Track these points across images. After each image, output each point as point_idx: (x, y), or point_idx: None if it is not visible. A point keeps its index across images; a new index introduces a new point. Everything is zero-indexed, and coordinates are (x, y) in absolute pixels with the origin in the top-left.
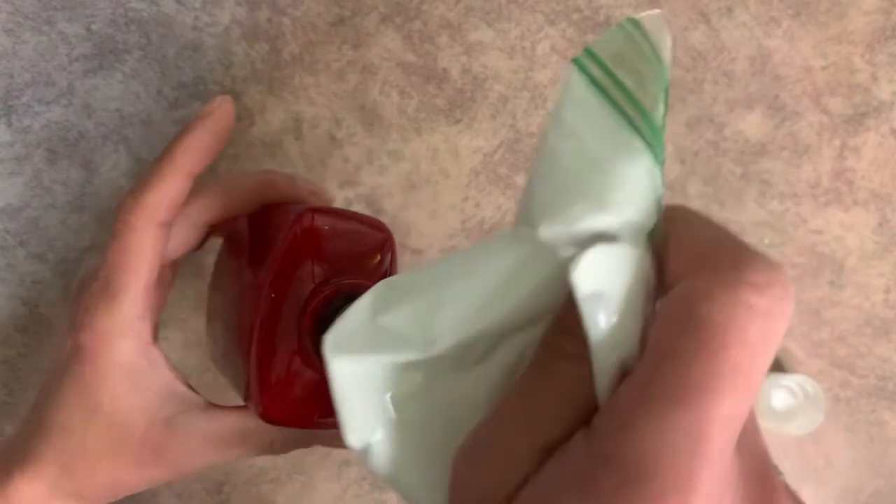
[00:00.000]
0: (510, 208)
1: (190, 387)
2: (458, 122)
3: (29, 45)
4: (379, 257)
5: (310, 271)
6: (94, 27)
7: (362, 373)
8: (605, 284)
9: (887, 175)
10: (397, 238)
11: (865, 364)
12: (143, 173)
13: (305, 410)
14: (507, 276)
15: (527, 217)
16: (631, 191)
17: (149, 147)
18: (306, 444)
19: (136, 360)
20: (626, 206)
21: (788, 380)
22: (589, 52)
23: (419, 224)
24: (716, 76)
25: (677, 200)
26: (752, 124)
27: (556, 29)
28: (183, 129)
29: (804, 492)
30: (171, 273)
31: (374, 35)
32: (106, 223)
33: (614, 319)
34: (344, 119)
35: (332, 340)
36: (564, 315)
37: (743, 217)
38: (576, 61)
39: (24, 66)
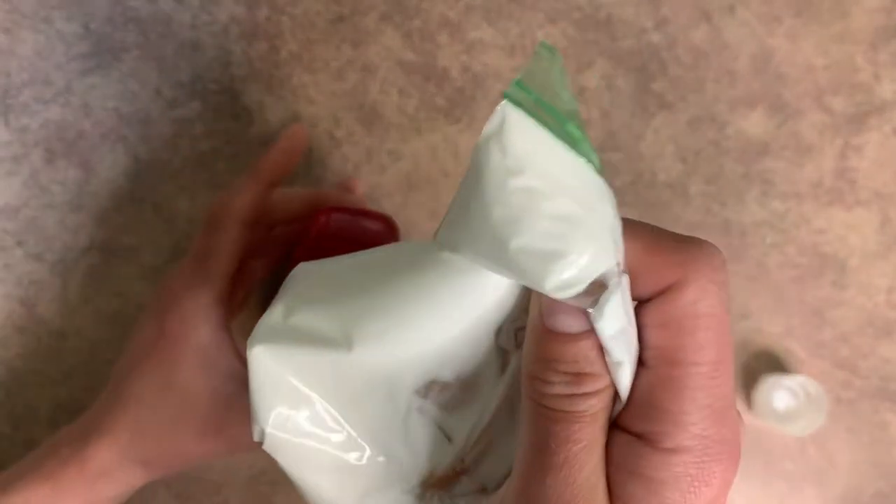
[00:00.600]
0: None
1: None
2: (458, 121)
3: (27, 43)
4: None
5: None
6: (92, 26)
7: (277, 363)
8: (622, 318)
9: (890, 174)
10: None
11: (868, 365)
12: (234, 182)
13: None
14: (444, 298)
15: (476, 246)
16: (607, 217)
17: (147, 146)
18: None
19: (209, 343)
20: (612, 236)
21: (790, 380)
22: (518, 84)
23: (419, 224)
24: (718, 75)
25: (679, 200)
26: (754, 123)
27: (557, 27)
28: (268, 149)
29: (806, 493)
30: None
31: (373, 34)
32: (104, 222)
33: (634, 342)
34: (343, 118)
35: (254, 335)
36: (543, 348)
37: (745, 217)
38: (508, 95)
39: (22, 65)
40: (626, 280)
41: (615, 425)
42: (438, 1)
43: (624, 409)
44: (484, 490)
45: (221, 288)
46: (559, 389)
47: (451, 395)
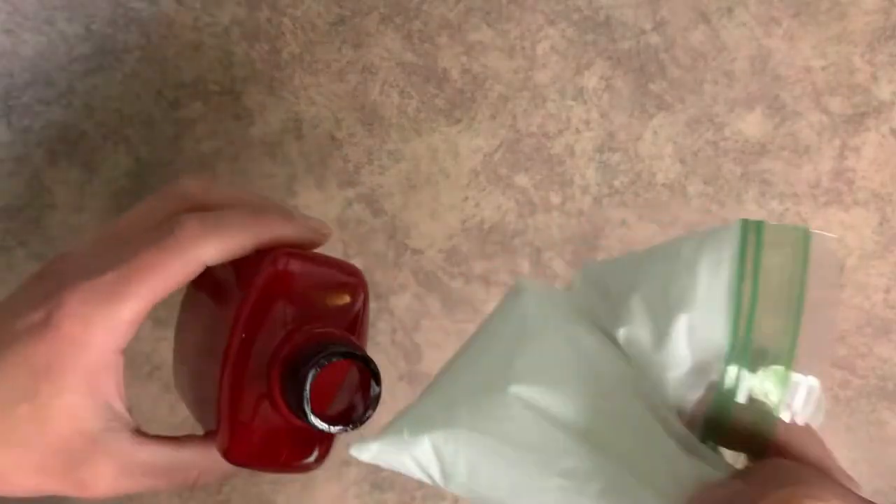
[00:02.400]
0: (510, 208)
1: (129, 409)
2: (458, 122)
3: (29, 44)
4: (350, 301)
5: (282, 314)
6: (93, 27)
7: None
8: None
9: (887, 175)
10: (398, 238)
11: (865, 364)
12: (224, 213)
13: (270, 454)
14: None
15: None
16: None
17: (149, 147)
18: (229, 478)
19: (97, 364)
20: None
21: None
22: (758, 226)
23: (419, 224)
24: (716, 76)
25: (677, 200)
26: (752, 124)
27: (557, 29)
28: (286, 210)
29: None
30: None
31: (374, 35)
32: (106, 223)
33: None
34: (344, 119)
35: (362, 452)
36: None
37: (743, 217)
38: (748, 223)
39: (24, 66)
40: None
41: None
42: (439, 2)
43: None
44: None
45: (144, 313)
46: None
47: None
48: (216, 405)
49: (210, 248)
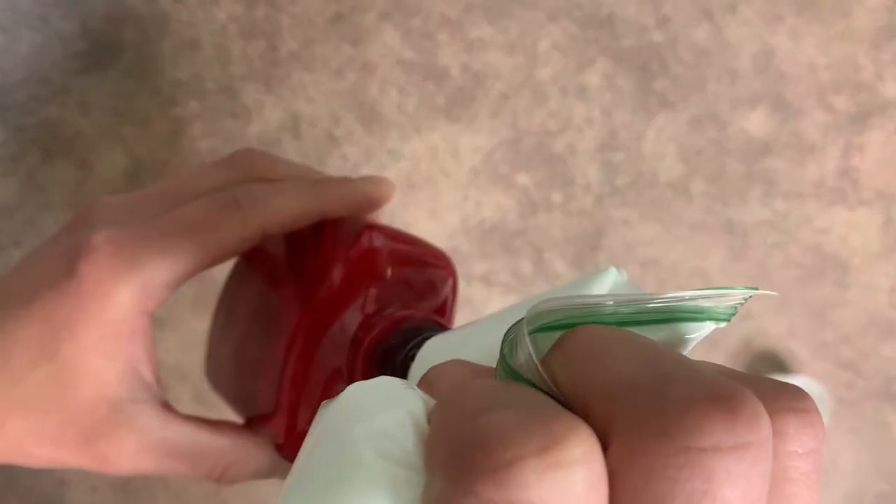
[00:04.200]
0: (511, 207)
1: (158, 379)
2: (457, 120)
3: (24, 42)
4: (437, 287)
5: (363, 298)
6: (89, 24)
7: None
8: None
9: (892, 174)
10: None
11: (870, 365)
12: (286, 182)
13: None
14: None
15: None
16: None
17: (145, 145)
18: (266, 476)
19: (123, 323)
20: None
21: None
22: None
23: (419, 223)
24: (719, 74)
25: (680, 200)
26: (756, 122)
27: (558, 26)
28: (347, 178)
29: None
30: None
31: (372, 32)
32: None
33: None
34: (342, 117)
35: None
36: None
37: (746, 217)
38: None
39: (19, 64)
40: None
41: None
42: None
43: None
44: None
45: (181, 276)
46: None
47: None
48: (276, 389)
49: (272, 214)
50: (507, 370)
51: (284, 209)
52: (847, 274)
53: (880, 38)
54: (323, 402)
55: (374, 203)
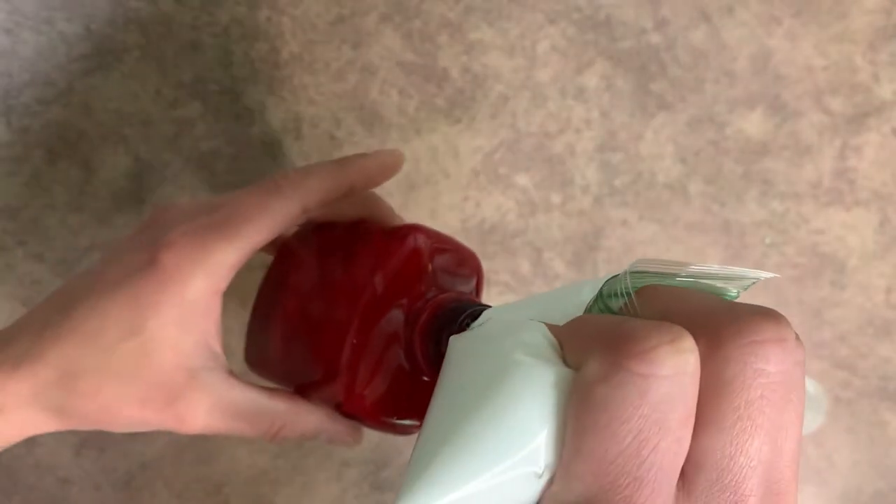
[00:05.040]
0: (510, 208)
1: (223, 351)
2: (458, 121)
3: (28, 44)
4: (469, 280)
5: (420, 284)
6: (93, 27)
7: None
8: None
9: (889, 175)
10: None
11: (867, 365)
12: (315, 165)
13: (388, 409)
14: None
15: None
16: None
17: (148, 147)
18: (311, 437)
19: (198, 302)
20: None
21: None
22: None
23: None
24: (717, 75)
25: (678, 200)
26: (754, 124)
27: (557, 28)
28: (363, 153)
29: (805, 492)
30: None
31: (373, 34)
32: (106, 223)
33: None
34: (344, 119)
35: None
36: None
37: (744, 217)
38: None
39: (23, 66)
40: None
41: None
42: (438, 2)
43: None
44: None
45: (243, 256)
46: None
47: None
48: (336, 357)
49: (308, 192)
50: (603, 308)
51: (318, 186)
52: (843, 274)
53: (877, 40)
54: (452, 337)
55: (389, 171)
